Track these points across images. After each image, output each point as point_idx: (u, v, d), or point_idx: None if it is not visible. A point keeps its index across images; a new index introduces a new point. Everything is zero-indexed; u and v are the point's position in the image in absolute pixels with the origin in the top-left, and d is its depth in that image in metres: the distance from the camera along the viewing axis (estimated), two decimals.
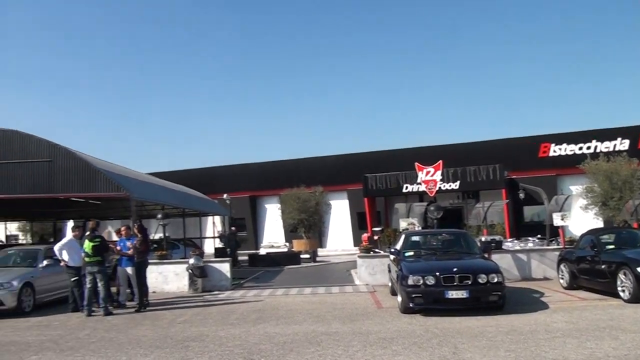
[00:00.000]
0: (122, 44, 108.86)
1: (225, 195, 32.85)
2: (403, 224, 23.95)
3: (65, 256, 13.37)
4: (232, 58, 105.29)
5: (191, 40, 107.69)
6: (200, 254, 18.24)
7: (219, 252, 26.75)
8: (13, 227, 46.13)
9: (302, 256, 28.35)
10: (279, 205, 37.45)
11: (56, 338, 10.18)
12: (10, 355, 8.83)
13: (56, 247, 13.58)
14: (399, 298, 11.46)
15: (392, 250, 13.65)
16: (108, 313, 12.79)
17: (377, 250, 20.97)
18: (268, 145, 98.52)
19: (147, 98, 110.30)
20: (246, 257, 28.14)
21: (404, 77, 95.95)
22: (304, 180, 34.34)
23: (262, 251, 30.88)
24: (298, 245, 32.24)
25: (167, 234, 23.30)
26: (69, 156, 18.30)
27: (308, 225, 32.95)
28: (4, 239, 41.05)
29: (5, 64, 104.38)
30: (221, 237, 30.45)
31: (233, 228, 30.23)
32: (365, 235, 27.16)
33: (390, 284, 14.30)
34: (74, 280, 13.42)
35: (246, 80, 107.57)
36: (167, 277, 17.16)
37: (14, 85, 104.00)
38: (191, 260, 16.73)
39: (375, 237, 29.82)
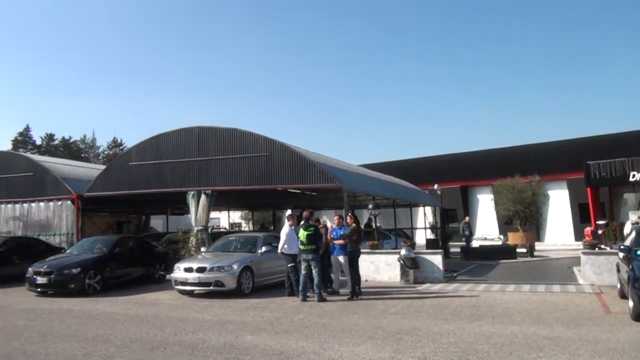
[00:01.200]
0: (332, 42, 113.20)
1: (435, 186, 32.22)
2: (633, 217, 21.43)
3: (283, 244, 13.94)
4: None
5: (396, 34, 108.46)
6: (412, 244, 17.94)
7: (430, 243, 26.31)
8: (236, 216, 50.01)
9: (518, 250, 26.76)
10: (491, 196, 35.88)
11: (272, 320, 10.54)
12: (227, 334, 9.27)
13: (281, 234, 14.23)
14: (631, 303, 9.93)
15: (622, 247, 11.98)
16: (322, 299, 13.03)
17: (603, 246, 18.89)
18: (478, 133, 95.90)
19: (347, 95, 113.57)
20: (458, 250, 27.33)
21: None
22: (519, 169, 32.45)
23: (475, 243, 29.79)
24: (513, 238, 30.58)
25: (378, 224, 23.37)
26: (285, 150, 19.08)
27: (524, 217, 31.14)
28: (227, 226, 44.66)
29: (237, 74, 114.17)
30: (432, 228, 30.01)
31: (467, 218, 29.85)
32: (588, 229, 24.85)
33: (619, 286, 12.64)
34: (291, 266, 13.91)
35: (462, 67, 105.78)
36: (379, 267, 17.12)
37: (239, 88, 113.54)
38: (403, 251, 16.50)
39: (599, 231, 27.15)
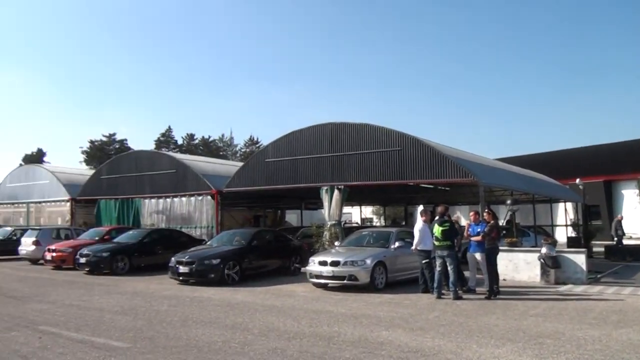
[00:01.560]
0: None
1: (577, 180, 30.32)
2: None
3: (418, 240, 13.65)
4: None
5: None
6: (553, 242, 16.96)
7: (571, 242, 24.81)
8: (368, 211, 50.05)
9: None
10: (637, 191, 33.21)
11: (406, 316, 10.32)
12: (362, 328, 9.18)
13: (415, 230, 13.96)
14: None
15: None
16: (457, 297, 12.61)
17: None
18: (624, 120, 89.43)
19: (481, 89, 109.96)
20: (601, 249, 25.51)
21: None
22: None
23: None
24: None
25: (517, 221, 22.35)
26: (417, 144, 18.72)
27: None
28: (359, 222, 44.77)
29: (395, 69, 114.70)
30: (574, 225, 28.35)
31: (620, 216, 28.29)
32: None
33: None
34: (425, 263, 13.60)
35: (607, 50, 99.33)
36: (518, 266, 16.32)
37: (369, 82, 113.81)
38: (543, 250, 15.61)
39: None
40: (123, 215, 27.87)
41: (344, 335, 8.64)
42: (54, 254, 21.10)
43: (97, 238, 22.47)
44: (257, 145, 77.37)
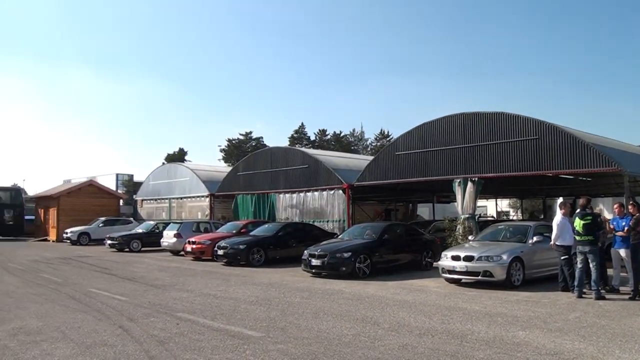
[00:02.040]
0: None
1: None
2: None
3: (556, 235, 12.93)
4: None
5: None
6: None
7: None
8: (504, 204, 48.24)
9: None
10: None
11: (544, 316, 9.82)
12: (497, 327, 8.84)
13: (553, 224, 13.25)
14: None
15: None
16: (600, 297, 11.78)
17: None
18: None
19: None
20: None
21: None
22: None
23: None
24: None
25: None
26: (556, 132, 17.73)
27: None
28: (494, 215, 43.25)
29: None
30: None
31: None
32: None
33: None
34: (564, 259, 12.86)
35: None
36: None
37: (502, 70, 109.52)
38: None
39: None
40: (259, 209, 28.94)
41: (477, 333, 8.37)
42: (194, 246, 22.35)
43: (234, 231, 23.49)
44: (388, 139, 76.97)
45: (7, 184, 59.43)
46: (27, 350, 7.63)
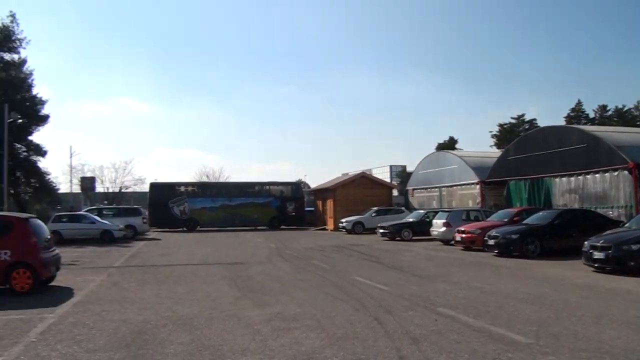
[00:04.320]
0: None
1: None
2: None
3: None
4: None
5: None
6: None
7: None
8: None
9: None
10: None
11: None
12: None
13: None
14: None
15: None
16: None
17: None
18: None
19: None
20: None
21: None
22: None
23: None
24: None
25: None
26: None
27: None
28: None
29: None
30: None
31: None
32: None
33: None
34: None
35: None
36: None
37: None
38: None
39: None
40: (533, 195, 26.92)
41: None
42: (464, 235, 21.49)
43: (506, 220, 22.06)
44: None
45: (292, 179, 64.77)
46: (278, 337, 7.56)
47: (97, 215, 33.33)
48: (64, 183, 62.50)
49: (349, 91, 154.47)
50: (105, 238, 29.64)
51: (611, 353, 6.54)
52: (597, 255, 14.18)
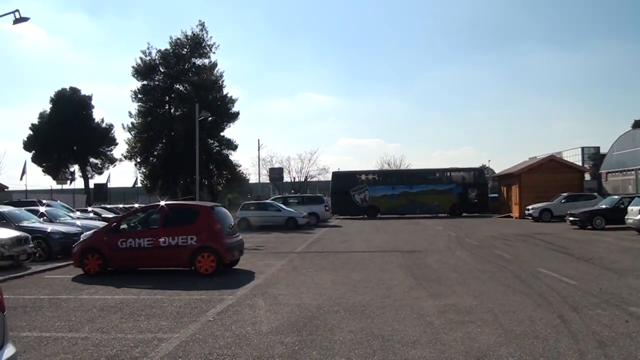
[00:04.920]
0: None
1: None
2: None
3: None
4: None
5: None
6: None
7: None
8: None
9: None
10: None
11: None
12: None
13: None
14: None
15: None
16: None
17: None
18: None
19: None
20: None
21: None
22: None
23: None
24: None
25: None
26: None
27: None
28: None
29: None
30: None
31: None
32: None
33: None
34: None
35: None
36: None
37: None
38: None
39: None
40: None
41: None
42: None
43: None
44: None
45: (476, 165, 62.69)
46: (451, 330, 7.20)
47: (283, 203, 34.93)
48: (254, 174, 66.74)
49: (534, 69, 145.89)
50: (290, 225, 30.90)
51: None
52: None
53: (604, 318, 7.72)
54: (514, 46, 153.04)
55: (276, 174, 66.96)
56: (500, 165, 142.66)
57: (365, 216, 43.40)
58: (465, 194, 43.55)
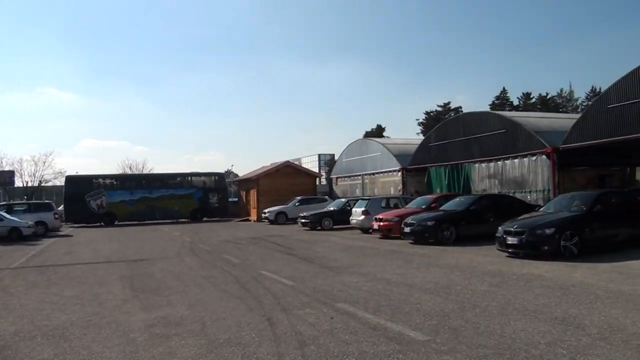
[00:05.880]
0: None
1: None
2: None
3: None
4: None
5: None
6: None
7: None
8: None
9: None
10: None
11: None
12: None
13: None
14: None
15: None
16: None
17: None
18: None
19: None
20: None
21: None
22: None
23: None
24: None
25: None
26: None
27: None
28: None
29: None
30: None
31: None
32: None
33: None
34: None
35: None
36: None
37: None
38: None
39: None
40: (453, 181, 26.91)
41: None
42: (381, 224, 21.12)
43: (424, 206, 21.81)
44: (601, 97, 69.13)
45: (223, 169, 63.24)
46: (152, 346, 6.73)
47: (6, 211, 31.19)
48: None
49: (280, 79, 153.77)
50: (14, 236, 27.66)
51: (512, 348, 6.03)
52: (511, 240, 13.96)
53: (311, 317, 7.90)
54: (266, 56, 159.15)
55: (5, 177, 60.32)
56: (245, 170, 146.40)
57: (102, 224, 41.05)
58: (207, 198, 43.69)
